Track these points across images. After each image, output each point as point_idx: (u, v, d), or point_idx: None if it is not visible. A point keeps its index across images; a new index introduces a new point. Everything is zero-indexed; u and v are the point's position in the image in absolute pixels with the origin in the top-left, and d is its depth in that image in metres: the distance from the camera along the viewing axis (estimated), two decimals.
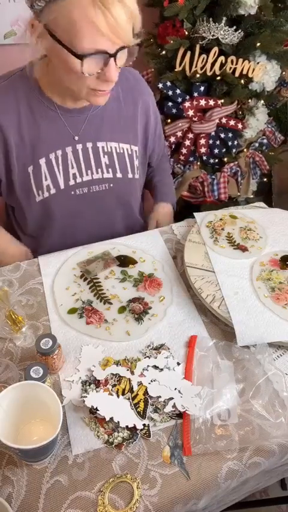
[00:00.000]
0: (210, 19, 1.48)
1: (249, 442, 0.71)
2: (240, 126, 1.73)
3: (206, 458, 0.70)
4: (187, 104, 1.64)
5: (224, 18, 1.47)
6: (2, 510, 0.61)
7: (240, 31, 1.51)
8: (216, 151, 1.78)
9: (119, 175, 1.07)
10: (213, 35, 1.49)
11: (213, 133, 1.73)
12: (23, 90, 0.94)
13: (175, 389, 0.76)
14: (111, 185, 1.07)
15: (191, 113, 1.65)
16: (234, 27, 1.50)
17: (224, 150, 1.79)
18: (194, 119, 1.67)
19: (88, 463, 0.69)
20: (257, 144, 1.84)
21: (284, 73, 1.77)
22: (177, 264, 1.03)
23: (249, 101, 1.72)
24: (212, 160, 1.82)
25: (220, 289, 0.91)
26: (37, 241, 1.14)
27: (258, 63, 1.58)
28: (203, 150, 1.75)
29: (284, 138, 1.94)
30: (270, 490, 1.41)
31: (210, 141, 1.75)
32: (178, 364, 0.81)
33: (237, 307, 0.88)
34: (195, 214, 1.14)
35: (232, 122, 1.72)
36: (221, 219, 1.12)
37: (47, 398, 0.66)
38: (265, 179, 2.04)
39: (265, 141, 1.85)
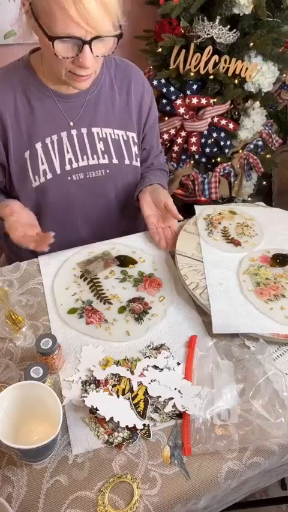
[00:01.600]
0: (205, 18, 1.49)
1: (249, 442, 0.71)
2: (231, 126, 1.73)
3: (206, 458, 0.70)
4: (178, 102, 1.65)
5: (218, 17, 1.48)
6: (2, 510, 0.61)
7: (235, 31, 1.51)
8: (207, 150, 1.78)
9: (115, 161, 1.08)
10: (207, 34, 1.49)
11: (205, 132, 1.74)
12: (18, 77, 0.96)
13: (175, 389, 0.76)
14: (108, 171, 1.08)
15: (182, 110, 1.66)
16: (228, 26, 1.50)
17: (216, 149, 1.79)
18: (185, 116, 1.68)
19: (88, 463, 0.69)
20: (252, 146, 1.84)
21: (284, 76, 1.77)
22: (179, 270, 1.02)
23: (247, 102, 1.72)
24: (204, 160, 1.83)
25: (205, 279, 0.93)
26: None
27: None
28: (193, 148, 1.75)
29: (282, 141, 1.94)
30: (270, 490, 1.41)
31: (202, 140, 1.76)
32: (178, 364, 0.81)
33: (219, 297, 0.89)
34: (195, 206, 1.15)
35: (223, 122, 1.72)
36: (219, 214, 1.13)
37: (47, 398, 0.66)
38: (264, 182, 2.03)
39: (260, 143, 1.84)
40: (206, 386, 0.76)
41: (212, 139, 1.76)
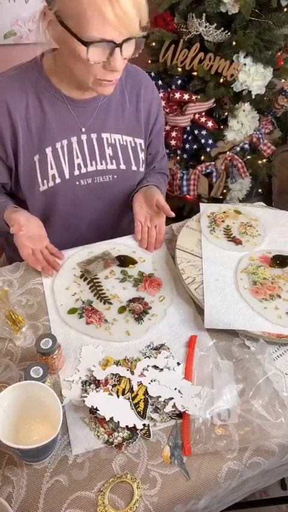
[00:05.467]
0: (193, 15, 1.50)
1: (249, 442, 0.71)
2: (210, 124, 1.72)
3: (206, 458, 0.70)
4: (160, 95, 1.66)
5: (204, 15, 1.49)
6: (2, 510, 0.61)
7: (222, 29, 1.52)
8: (187, 146, 1.78)
9: (122, 167, 1.08)
10: (196, 31, 1.51)
11: (188, 128, 1.75)
12: (31, 80, 0.96)
13: (175, 389, 0.76)
14: (115, 177, 1.08)
15: (162, 103, 1.67)
16: (215, 24, 1.51)
17: (196, 146, 1.79)
18: (166, 110, 1.70)
19: (88, 463, 0.69)
20: (238, 148, 1.82)
21: (283, 81, 1.76)
22: (177, 264, 1.03)
23: (238, 103, 1.72)
24: (185, 156, 1.83)
25: (202, 274, 0.94)
26: None
27: (244, 64, 1.58)
28: (173, 142, 1.76)
29: (275, 147, 1.92)
30: (270, 490, 1.41)
31: (185, 136, 1.76)
32: (178, 364, 0.81)
33: (214, 293, 0.90)
34: (200, 204, 1.17)
35: (203, 119, 1.72)
36: (224, 212, 1.14)
37: (47, 398, 0.66)
38: (260, 190, 2.02)
39: (246, 146, 1.83)
40: (206, 386, 0.76)
41: (192, 136, 1.77)
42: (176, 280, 0.98)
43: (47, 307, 0.92)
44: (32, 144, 0.98)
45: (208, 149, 1.77)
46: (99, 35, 0.78)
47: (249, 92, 1.65)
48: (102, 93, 0.92)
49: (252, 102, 1.72)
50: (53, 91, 0.96)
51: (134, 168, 1.10)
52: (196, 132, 1.74)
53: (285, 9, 1.53)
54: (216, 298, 0.89)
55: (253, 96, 1.67)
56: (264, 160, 1.90)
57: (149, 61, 1.74)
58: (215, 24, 1.51)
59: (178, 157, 1.84)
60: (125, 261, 1.02)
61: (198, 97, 1.66)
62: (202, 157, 1.81)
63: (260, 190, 2.03)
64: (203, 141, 1.75)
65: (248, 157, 1.86)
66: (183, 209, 1.92)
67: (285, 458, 0.73)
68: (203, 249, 1.01)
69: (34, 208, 1.06)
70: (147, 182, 1.15)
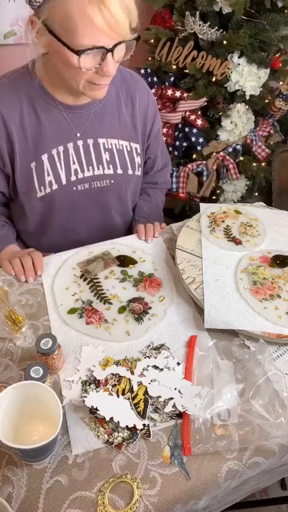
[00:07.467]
0: (187, 13, 1.51)
1: (249, 442, 0.71)
2: (199, 122, 1.73)
3: (206, 458, 0.70)
4: (152, 91, 1.68)
5: (198, 13, 1.50)
6: (2, 510, 0.61)
7: (216, 28, 1.53)
8: (177, 143, 1.79)
9: (119, 171, 1.08)
10: (191, 29, 1.52)
11: (180, 126, 1.76)
12: (24, 87, 0.95)
13: (175, 389, 0.76)
14: (112, 181, 1.08)
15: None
16: (208, 23, 1.52)
17: (186, 144, 1.79)
18: (158, 106, 1.72)
19: (88, 463, 0.69)
20: (230, 149, 1.82)
21: (281, 83, 1.76)
22: (177, 264, 1.03)
23: (232, 103, 1.72)
24: (176, 153, 1.84)
25: (202, 274, 0.94)
26: (37, 237, 1.14)
27: (238, 64, 1.58)
28: (163, 139, 1.77)
29: (270, 150, 1.92)
30: (270, 490, 1.41)
31: (176, 133, 1.78)
32: (178, 364, 0.81)
33: (214, 293, 0.90)
34: (200, 204, 1.17)
35: (192, 117, 1.72)
36: (224, 212, 1.14)
37: (47, 398, 0.66)
38: (257, 194, 2.02)
39: (239, 147, 1.82)
40: (206, 386, 0.76)
41: (183, 133, 1.78)
42: (176, 280, 0.98)
43: (47, 307, 0.92)
44: (28, 152, 0.98)
45: (199, 148, 1.78)
46: (90, 42, 0.77)
47: (244, 92, 1.65)
48: (94, 97, 0.91)
49: (248, 104, 1.72)
50: (47, 97, 0.96)
51: (130, 172, 1.10)
52: (187, 129, 1.75)
53: (286, 11, 1.53)
54: (216, 298, 0.89)
55: (247, 97, 1.67)
56: (263, 164, 1.89)
57: (149, 58, 1.75)
58: (209, 23, 1.51)
59: (170, 155, 1.85)
60: (125, 261, 1.02)
61: (190, 95, 1.66)
62: (194, 156, 1.82)
63: (256, 194, 2.03)
64: (193, 139, 1.75)
65: (241, 158, 1.86)
66: (174, 208, 1.93)
67: (285, 458, 0.73)
68: (203, 249, 1.01)
69: (32, 214, 1.07)
70: (147, 212, 1.22)
